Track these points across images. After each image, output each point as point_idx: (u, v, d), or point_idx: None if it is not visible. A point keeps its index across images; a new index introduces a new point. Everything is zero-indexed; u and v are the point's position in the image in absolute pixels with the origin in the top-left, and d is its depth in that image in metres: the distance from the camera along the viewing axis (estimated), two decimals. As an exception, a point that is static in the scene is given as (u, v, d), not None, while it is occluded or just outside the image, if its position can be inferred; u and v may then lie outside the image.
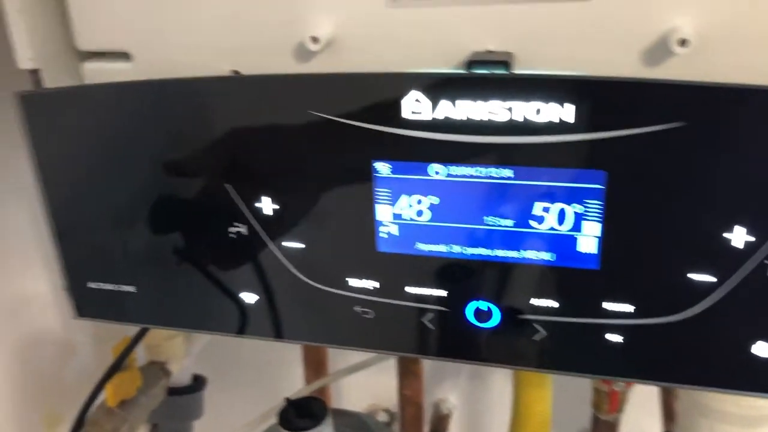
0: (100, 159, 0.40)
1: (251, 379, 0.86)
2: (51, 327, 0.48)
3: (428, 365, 0.76)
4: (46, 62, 0.40)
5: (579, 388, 0.65)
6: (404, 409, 0.74)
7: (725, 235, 0.34)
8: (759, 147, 0.32)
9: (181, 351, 0.68)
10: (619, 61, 0.34)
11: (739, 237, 0.34)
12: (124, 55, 0.40)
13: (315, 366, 0.75)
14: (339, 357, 0.76)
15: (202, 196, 0.40)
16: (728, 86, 0.32)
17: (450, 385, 0.84)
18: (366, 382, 0.82)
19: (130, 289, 0.43)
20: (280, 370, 0.79)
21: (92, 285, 0.44)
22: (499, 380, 0.81)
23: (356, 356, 0.65)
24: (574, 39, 0.35)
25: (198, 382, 0.75)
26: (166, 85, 0.38)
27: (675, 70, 0.34)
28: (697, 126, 0.32)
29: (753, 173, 0.33)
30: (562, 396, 0.59)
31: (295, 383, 0.78)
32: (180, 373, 0.73)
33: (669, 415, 0.66)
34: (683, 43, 0.32)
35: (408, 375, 0.72)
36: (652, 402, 0.68)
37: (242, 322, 0.43)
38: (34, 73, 0.40)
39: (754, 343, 0.36)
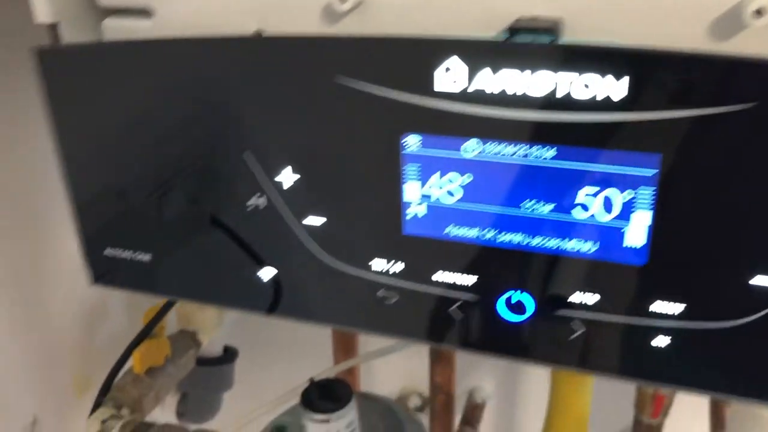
0: (118, 120, 0.38)
1: (283, 354, 0.84)
2: (83, 289, 0.47)
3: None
4: (64, 18, 0.38)
5: (623, 386, 0.61)
6: (435, 396, 0.71)
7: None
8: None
9: (213, 322, 0.66)
10: (683, 33, 0.30)
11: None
12: (144, 12, 0.38)
13: (344, 346, 0.73)
14: (370, 337, 0.73)
15: (222, 164, 0.38)
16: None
17: (486, 373, 0.81)
18: (399, 364, 0.79)
19: (146, 257, 0.42)
20: (314, 345, 0.78)
21: (109, 252, 0.43)
22: (538, 371, 0.77)
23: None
24: (632, 7, 0.31)
25: (229, 354, 0.74)
26: (186, 45, 0.36)
27: (747, 44, 0.30)
28: (770, 108, 0.28)
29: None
30: (603, 393, 0.55)
31: (328, 361, 0.77)
32: (210, 344, 0.72)
33: (719, 422, 0.62)
34: (759, 13, 0.28)
35: (440, 361, 0.69)
36: (702, 407, 0.63)
37: (258, 299, 0.41)
38: (53, 28, 0.38)
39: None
